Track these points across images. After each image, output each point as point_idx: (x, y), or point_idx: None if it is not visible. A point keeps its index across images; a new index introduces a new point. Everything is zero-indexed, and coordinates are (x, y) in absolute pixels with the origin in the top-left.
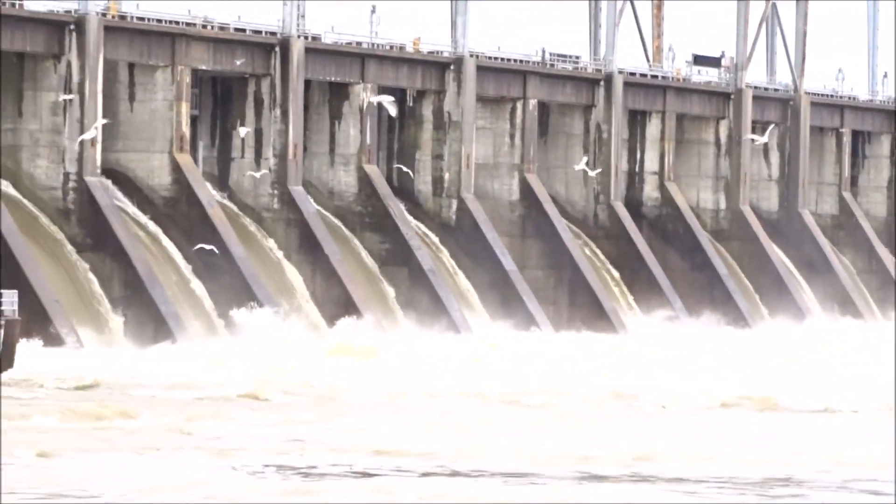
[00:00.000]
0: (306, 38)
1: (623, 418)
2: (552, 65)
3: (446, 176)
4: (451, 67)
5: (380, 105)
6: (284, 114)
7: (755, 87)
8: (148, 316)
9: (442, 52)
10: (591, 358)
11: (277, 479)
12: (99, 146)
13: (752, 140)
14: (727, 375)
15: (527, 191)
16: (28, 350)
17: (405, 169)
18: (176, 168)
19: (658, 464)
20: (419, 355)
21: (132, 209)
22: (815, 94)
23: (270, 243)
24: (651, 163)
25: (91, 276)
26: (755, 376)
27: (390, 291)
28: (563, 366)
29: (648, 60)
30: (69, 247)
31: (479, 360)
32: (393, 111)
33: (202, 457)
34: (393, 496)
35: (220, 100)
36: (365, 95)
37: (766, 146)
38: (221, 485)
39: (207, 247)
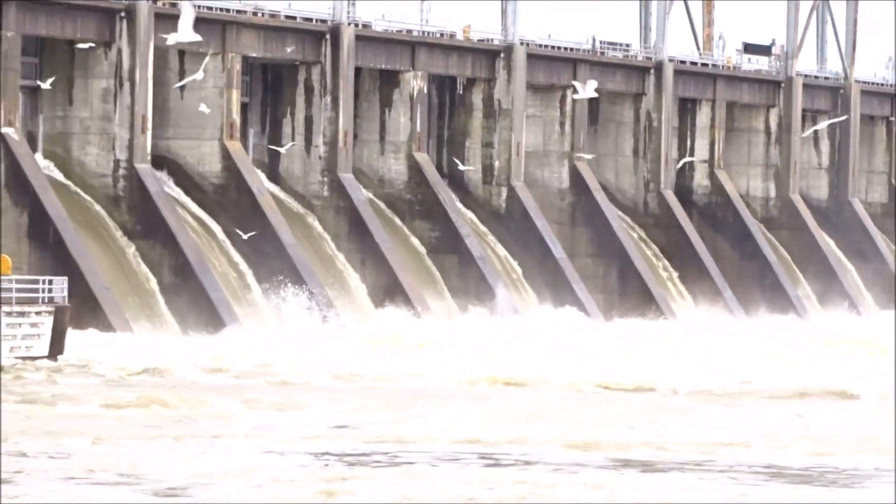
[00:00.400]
0: (357, 25)
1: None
2: (602, 53)
3: (496, 164)
4: (502, 55)
5: (430, 92)
6: (335, 101)
7: (805, 76)
8: (198, 303)
9: (492, 40)
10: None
11: (337, 466)
12: (149, 133)
13: (815, 132)
14: (792, 365)
15: (577, 178)
16: (78, 337)
17: (455, 160)
18: (226, 155)
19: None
20: (472, 342)
21: (182, 196)
22: (865, 82)
23: (320, 230)
24: (701, 151)
25: (141, 262)
26: (822, 366)
27: (440, 279)
28: (618, 355)
29: (699, 48)
30: (119, 234)
31: (539, 346)
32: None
33: (255, 443)
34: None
35: (270, 87)
36: (415, 83)
37: (816, 134)
38: (277, 471)
39: (245, 235)
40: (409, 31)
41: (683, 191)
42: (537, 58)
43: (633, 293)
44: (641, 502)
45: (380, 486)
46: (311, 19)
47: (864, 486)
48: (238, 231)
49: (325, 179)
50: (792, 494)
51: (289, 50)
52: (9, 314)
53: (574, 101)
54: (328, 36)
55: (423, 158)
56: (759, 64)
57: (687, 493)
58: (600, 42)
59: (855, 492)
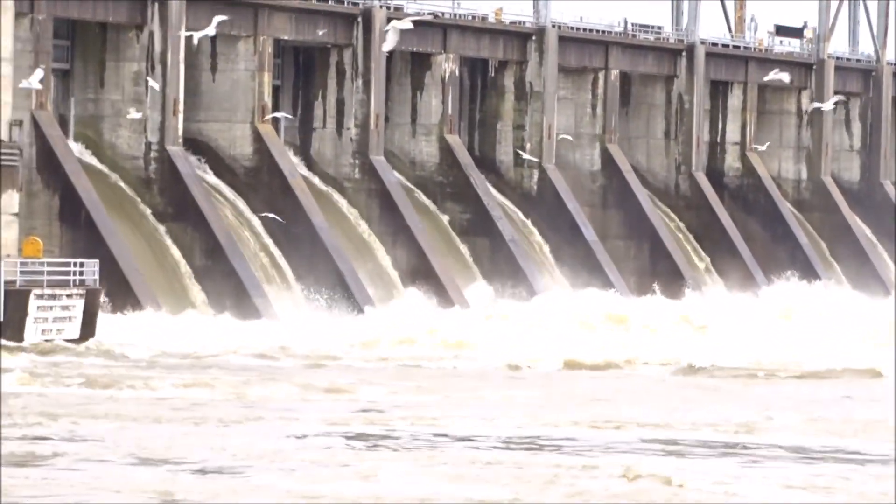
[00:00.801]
0: (388, 8)
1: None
2: (634, 35)
3: (528, 146)
4: (533, 38)
5: (461, 75)
6: (366, 84)
7: (837, 58)
8: (229, 285)
9: (524, 23)
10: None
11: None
12: (181, 116)
13: (827, 107)
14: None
15: (608, 161)
16: (109, 319)
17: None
18: (258, 138)
19: None
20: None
21: (214, 179)
22: None
23: (352, 213)
24: (732, 133)
25: (172, 245)
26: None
27: (471, 261)
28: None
29: (730, 31)
30: (150, 216)
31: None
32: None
33: (277, 426)
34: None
35: (301, 70)
36: (447, 65)
37: (847, 116)
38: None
39: (270, 215)
40: (441, 14)
41: (715, 173)
42: (569, 40)
43: (664, 275)
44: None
45: (404, 466)
46: (343, 2)
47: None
48: (271, 215)
49: (357, 162)
50: None
51: (320, 33)
52: (40, 297)
53: (606, 83)
54: (360, 19)
55: (455, 141)
56: (790, 46)
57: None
58: (632, 25)
59: None
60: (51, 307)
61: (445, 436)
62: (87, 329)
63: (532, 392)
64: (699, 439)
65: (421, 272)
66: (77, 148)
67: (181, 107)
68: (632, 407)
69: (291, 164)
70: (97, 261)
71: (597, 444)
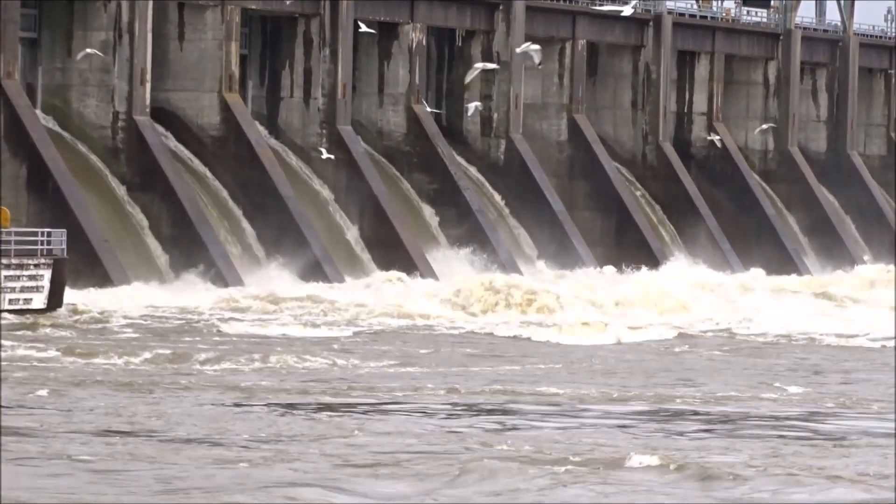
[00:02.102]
0: None
1: None
2: (601, 5)
3: (495, 116)
4: (501, 8)
5: (429, 44)
6: (333, 54)
7: (804, 28)
8: (196, 255)
9: None
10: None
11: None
12: (148, 85)
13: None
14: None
15: (575, 131)
16: (76, 290)
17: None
18: (225, 107)
19: None
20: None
21: (181, 149)
22: (864, 35)
23: (318, 183)
24: (700, 104)
25: (140, 215)
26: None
27: (439, 231)
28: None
29: (697, 1)
30: (118, 186)
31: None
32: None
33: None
34: None
35: (269, 40)
36: (414, 35)
37: (814, 87)
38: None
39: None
40: None
41: (682, 144)
42: (536, 10)
43: (630, 246)
44: None
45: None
46: None
47: None
48: (236, 183)
49: (324, 132)
50: None
51: (288, 2)
52: (7, 266)
53: (573, 53)
54: None
55: (422, 111)
56: (757, 16)
57: None
58: None
59: None
60: (18, 277)
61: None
62: (55, 299)
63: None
64: None
65: (387, 242)
66: (44, 117)
67: (149, 76)
68: None
69: (258, 133)
70: (64, 230)
71: None
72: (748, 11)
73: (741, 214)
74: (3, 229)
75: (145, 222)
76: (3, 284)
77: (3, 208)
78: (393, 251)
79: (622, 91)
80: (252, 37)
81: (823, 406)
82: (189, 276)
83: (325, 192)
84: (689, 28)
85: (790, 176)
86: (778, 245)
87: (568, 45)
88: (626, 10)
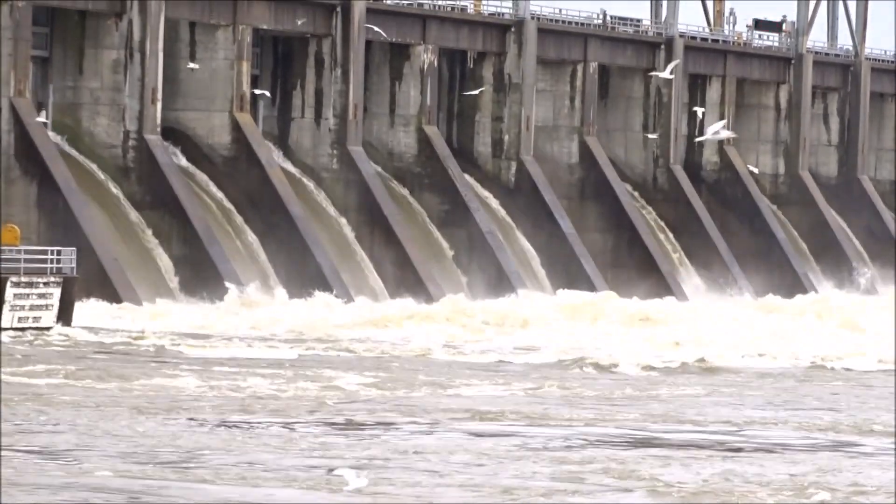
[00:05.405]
0: None
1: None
2: (613, 28)
3: (506, 138)
4: (512, 29)
5: (440, 65)
6: (345, 74)
7: (816, 53)
8: (206, 274)
9: (503, 14)
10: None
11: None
12: (159, 105)
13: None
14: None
15: (586, 153)
16: (86, 308)
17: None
18: (236, 127)
19: None
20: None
21: (191, 168)
22: (875, 59)
23: (329, 203)
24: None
25: (150, 234)
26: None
27: (449, 252)
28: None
29: (709, 24)
30: (128, 205)
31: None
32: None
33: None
34: None
35: (280, 60)
36: (426, 56)
37: (825, 111)
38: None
39: None
40: (420, 5)
41: (693, 167)
42: (548, 32)
43: (640, 268)
44: None
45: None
46: None
47: None
48: (247, 203)
49: (335, 152)
50: None
51: (300, 22)
52: (17, 284)
53: (584, 76)
54: (339, 9)
55: (433, 132)
56: (769, 40)
57: None
58: (611, 17)
59: None
60: (28, 295)
61: None
62: (64, 317)
63: None
64: None
65: (397, 262)
66: (55, 136)
67: (160, 95)
68: None
69: (269, 153)
70: (74, 249)
71: None
72: (760, 35)
73: (751, 237)
74: (13, 247)
75: (155, 241)
76: (13, 302)
77: (13, 226)
78: (402, 271)
79: (633, 113)
80: (263, 56)
81: None
82: (198, 295)
83: (335, 213)
84: (701, 51)
85: (801, 200)
86: (788, 268)
87: (580, 68)
88: (666, 73)
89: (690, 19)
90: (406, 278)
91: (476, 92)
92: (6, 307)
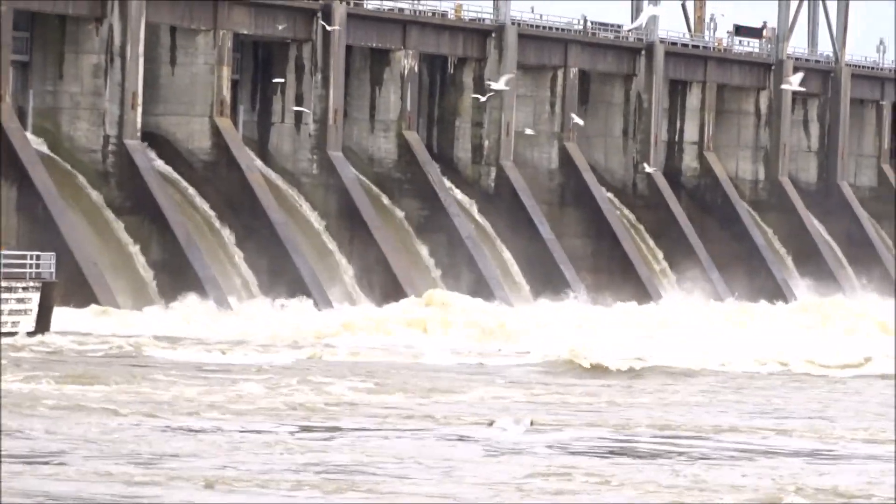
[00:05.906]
0: (348, 3)
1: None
2: (594, 33)
3: (486, 143)
4: (493, 35)
5: (420, 71)
6: (325, 79)
7: (796, 59)
8: (185, 279)
9: (483, 20)
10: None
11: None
12: (139, 109)
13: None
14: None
15: (566, 159)
16: (65, 313)
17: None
18: (216, 132)
19: None
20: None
21: (171, 173)
22: (855, 65)
23: (309, 208)
24: (691, 133)
25: (129, 239)
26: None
27: (429, 258)
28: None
29: (690, 30)
30: (108, 210)
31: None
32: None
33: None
34: None
35: (261, 64)
36: (406, 62)
37: (805, 117)
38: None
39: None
40: (401, 10)
41: (672, 172)
42: (528, 38)
43: (620, 274)
44: None
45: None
46: None
47: None
48: (227, 208)
49: (315, 157)
50: None
51: (280, 27)
52: None
53: (565, 81)
54: (319, 14)
55: (413, 137)
56: (749, 46)
57: None
58: (591, 23)
59: None
60: (7, 300)
61: None
62: (43, 322)
63: None
64: None
65: (376, 268)
66: (35, 140)
67: (140, 100)
68: None
69: (249, 158)
70: (53, 254)
71: None
72: (740, 41)
73: (731, 243)
74: None
75: (135, 246)
76: None
77: None
78: (381, 276)
79: (613, 119)
80: (243, 61)
81: None
82: (177, 299)
83: (315, 218)
84: (682, 57)
85: (780, 206)
86: (767, 274)
87: (560, 73)
88: (500, 84)
89: (671, 25)
90: (385, 283)
91: (483, 98)
92: None
